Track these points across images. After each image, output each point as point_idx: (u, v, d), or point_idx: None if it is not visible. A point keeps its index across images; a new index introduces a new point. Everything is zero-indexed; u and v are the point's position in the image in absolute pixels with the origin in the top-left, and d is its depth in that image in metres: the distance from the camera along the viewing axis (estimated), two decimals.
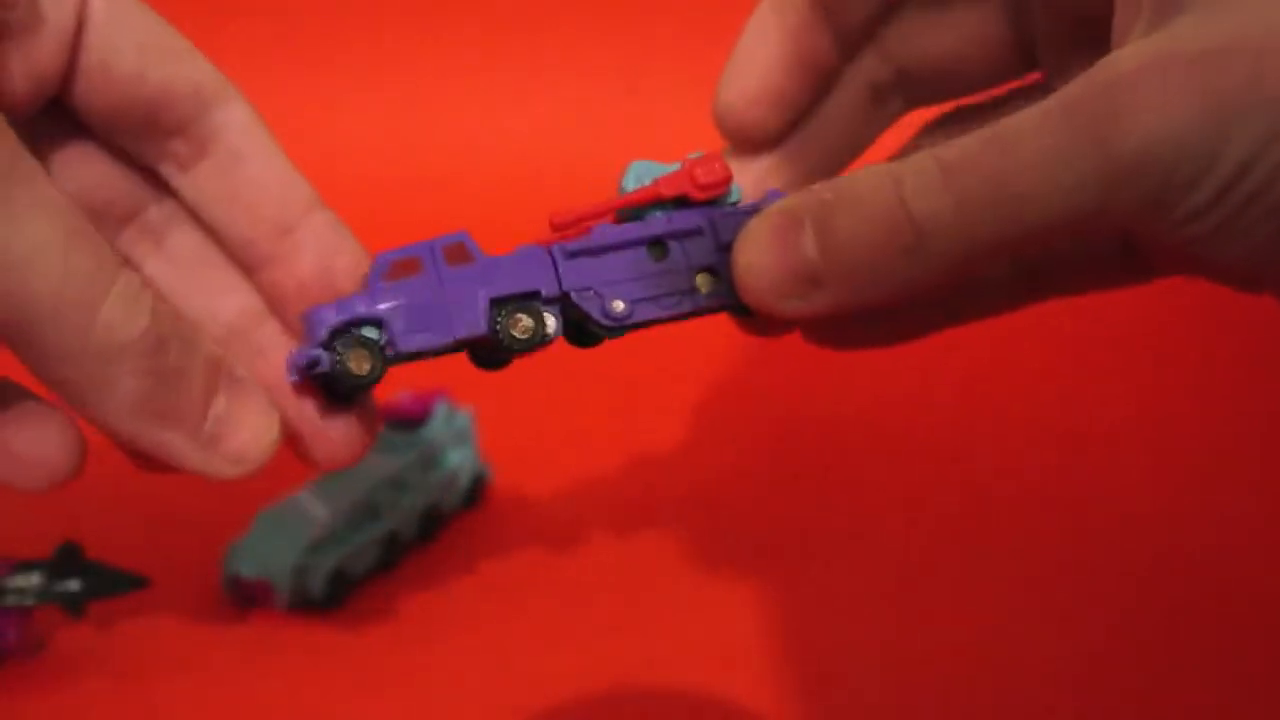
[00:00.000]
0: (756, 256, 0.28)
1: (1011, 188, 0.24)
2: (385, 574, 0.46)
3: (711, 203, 0.32)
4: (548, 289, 0.31)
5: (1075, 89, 0.24)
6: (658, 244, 0.31)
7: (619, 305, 0.31)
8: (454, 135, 0.79)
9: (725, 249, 0.30)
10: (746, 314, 0.31)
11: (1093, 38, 0.30)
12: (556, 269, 0.31)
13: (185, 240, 0.32)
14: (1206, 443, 0.54)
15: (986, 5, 0.33)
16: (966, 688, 0.41)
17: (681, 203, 0.32)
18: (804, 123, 0.35)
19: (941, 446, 0.54)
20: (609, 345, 0.33)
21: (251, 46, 0.74)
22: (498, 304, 0.31)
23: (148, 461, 0.30)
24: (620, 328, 0.31)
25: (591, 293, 0.31)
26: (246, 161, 0.31)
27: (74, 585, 0.41)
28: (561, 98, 0.82)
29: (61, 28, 0.29)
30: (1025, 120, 0.25)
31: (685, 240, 0.31)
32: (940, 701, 0.40)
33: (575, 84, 0.82)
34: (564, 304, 0.31)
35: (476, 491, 0.49)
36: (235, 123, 0.31)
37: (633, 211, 0.32)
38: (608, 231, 0.31)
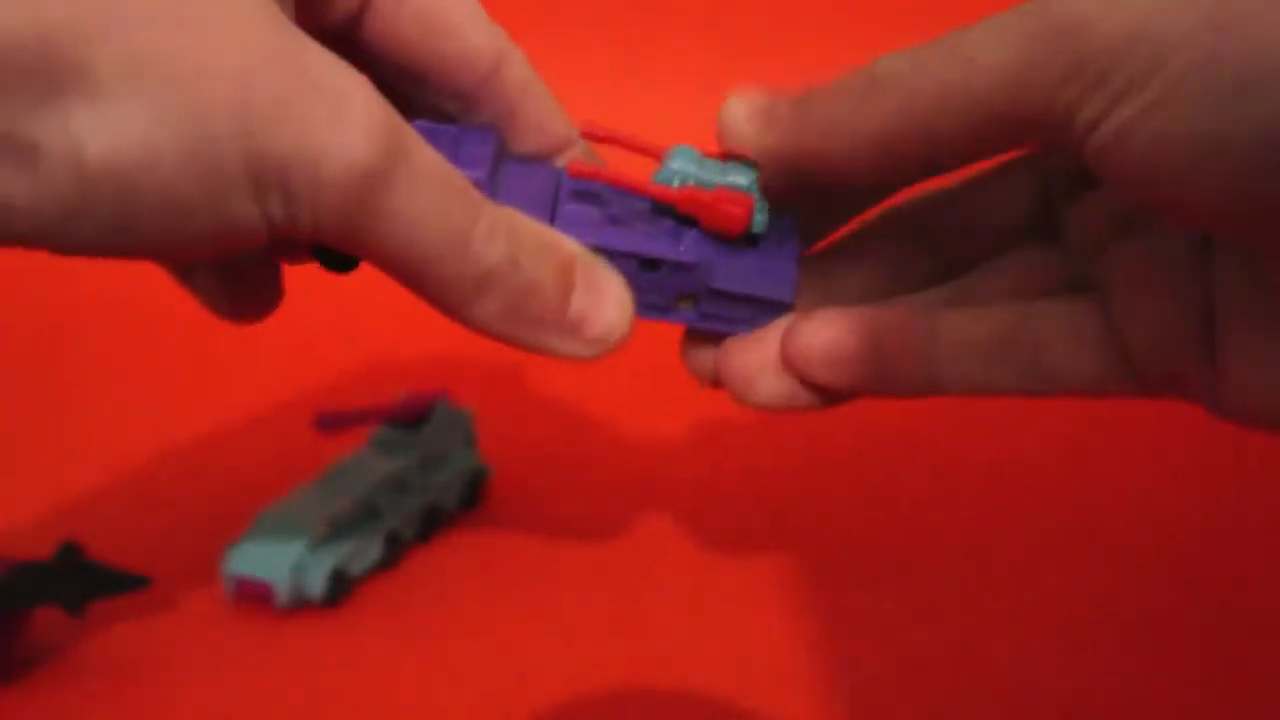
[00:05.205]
0: (738, 107, 0.30)
1: (961, 52, 0.26)
2: (385, 574, 0.46)
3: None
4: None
5: None
6: (651, 261, 0.31)
7: None
8: None
9: (712, 293, 0.31)
10: (715, 339, 0.32)
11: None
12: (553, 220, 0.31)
13: None
14: (1213, 457, 0.54)
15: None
16: (972, 686, 0.41)
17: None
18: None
19: (954, 441, 0.54)
20: None
21: None
22: None
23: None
24: None
25: None
26: (519, 114, 0.33)
27: (74, 585, 0.41)
28: (562, 97, 0.82)
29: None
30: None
31: (677, 269, 0.31)
32: (945, 700, 0.40)
33: (576, 83, 0.82)
34: None
35: (476, 491, 0.49)
36: (509, 86, 0.33)
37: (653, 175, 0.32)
38: (612, 235, 0.31)
